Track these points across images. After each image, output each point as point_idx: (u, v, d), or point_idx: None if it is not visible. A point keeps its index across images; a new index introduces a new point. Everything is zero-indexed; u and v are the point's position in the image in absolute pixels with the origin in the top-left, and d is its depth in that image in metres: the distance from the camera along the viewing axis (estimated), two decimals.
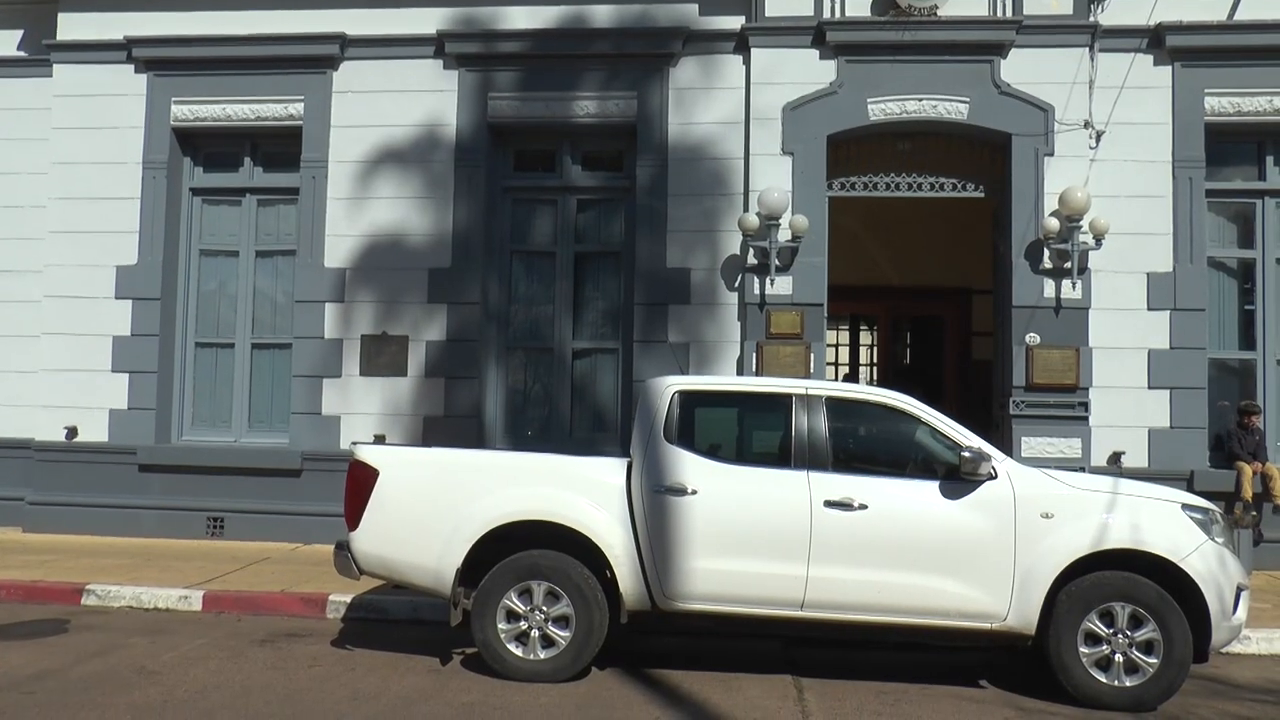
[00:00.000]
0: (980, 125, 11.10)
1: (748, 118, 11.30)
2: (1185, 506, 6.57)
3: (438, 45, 11.68)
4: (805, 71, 11.23)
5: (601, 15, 11.63)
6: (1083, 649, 6.35)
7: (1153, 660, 6.28)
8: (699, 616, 6.70)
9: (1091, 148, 10.96)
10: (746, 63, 11.38)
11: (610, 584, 6.71)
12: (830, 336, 15.28)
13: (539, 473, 6.93)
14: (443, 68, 11.74)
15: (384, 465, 6.95)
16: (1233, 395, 11.31)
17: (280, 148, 12.13)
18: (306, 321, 11.70)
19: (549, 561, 6.71)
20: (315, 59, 11.83)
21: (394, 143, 11.73)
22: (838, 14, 11.29)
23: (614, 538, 6.69)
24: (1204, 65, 10.98)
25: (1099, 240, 10.66)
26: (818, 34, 11.21)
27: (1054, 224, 10.65)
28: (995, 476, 6.51)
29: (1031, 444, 10.70)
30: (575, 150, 11.98)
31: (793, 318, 11.01)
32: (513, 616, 6.69)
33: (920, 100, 11.12)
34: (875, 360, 17.35)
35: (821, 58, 11.25)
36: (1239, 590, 6.47)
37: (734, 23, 11.42)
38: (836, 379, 16.64)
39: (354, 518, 6.94)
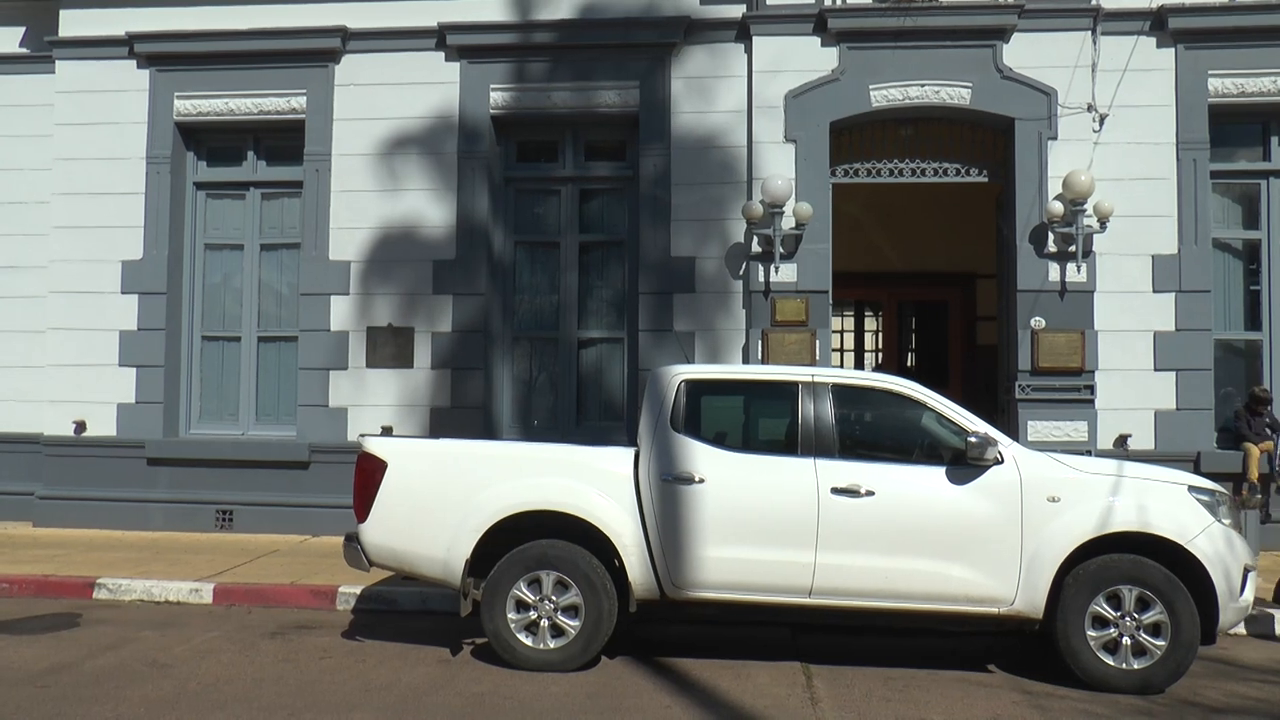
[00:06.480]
0: (983, 110, 11.08)
1: (750, 106, 11.29)
2: (1191, 488, 6.58)
3: (439, 37, 11.67)
4: (807, 59, 11.21)
5: (603, 5, 11.61)
6: (1090, 632, 6.37)
7: (1160, 643, 6.30)
8: (707, 604, 6.73)
9: (1095, 131, 10.94)
10: (748, 51, 11.36)
11: (619, 573, 6.73)
12: (835, 323, 15.29)
13: (547, 463, 6.94)
14: (444, 60, 11.74)
15: (392, 457, 6.97)
16: (1239, 376, 11.31)
17: (283, 141, 12.14)
18: (312, 314, 11.73)
19: (558, 551, 6.73)
20: (317, 52, 11.83)
21: (397, 135, 11.74)
22: (839, 1, 11.27)
23: (622, 527, 6.71)
24: (1207, 47, 10.95)
25: (1103, 223, 10.66)
26: (819, 21, 11.19)
27: (1058, 208, 10.64)
28: (1001, 461, 6.52)
29: (1037, 428, 10.70)
30: (578, 140, 11.97)
31: (797, 305, 11.02)
32: (522, 606, 6.72)
33: (923, 86, 11.11)
34: (880, 346, 17.33)
35: (823, 45, 11.24)
36: (1246, 571, 6.49)
37: (735, 11, 11.40)
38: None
39: (363, 510, 6.97)
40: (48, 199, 12.19)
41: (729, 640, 7.56)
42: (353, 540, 7.04)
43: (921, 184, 11.62)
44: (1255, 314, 11.34)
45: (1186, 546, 6.33)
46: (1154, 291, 10.87)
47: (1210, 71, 10.95)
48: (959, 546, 6.43)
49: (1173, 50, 10.99)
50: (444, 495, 6.86)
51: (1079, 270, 10.81)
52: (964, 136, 11.45)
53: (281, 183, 12.24)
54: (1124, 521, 6.38)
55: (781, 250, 10.92)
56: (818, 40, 11.25)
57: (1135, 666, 6.33)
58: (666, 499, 6.66)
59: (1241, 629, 7.74)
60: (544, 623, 6.70)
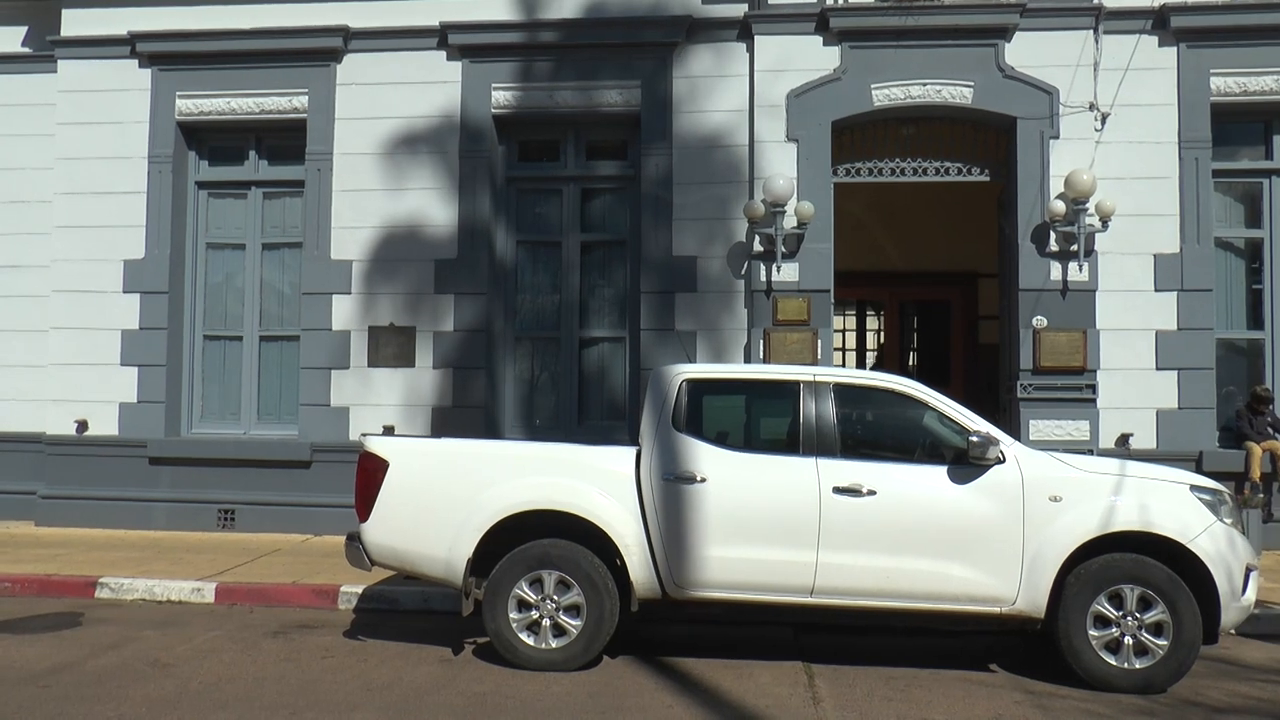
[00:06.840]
0: (985, 109, 11.07)
1: (752, 105, 11.28)
2: (1193, 488, 6.57)
3: (441, 37, 11.68)
4: (809, 58, 11.21)
5: (605, 4, 11.61)
6: (1092, 632, 6.36)
7: (1162, 642, 6.29)
8: (710, 604, 6.72)
9: (1097, 130, 10.93)
10: (750, 50, 11.35)
11: (621, 572, 6.73)
12: (837, 322, 15.28)
13: (548, 462, 6.94)
14: (446, 59, 11.74)
15: (394, 456, 6.97)
16: (1241, 375, 11.31)
17: (285, 141, 12.14)
18: (314, 313, 11.73)
19: (559, 551, 6.72)
20: (319, 52, 11.83)
21: (398, 135, 11.74)
22: (840, 0, 11.29)
23: (624, 526, 6.70)
24: (1209, 45, 10.95)
25: (1105, 222, 10.65)
26: (821, 20, 11.18)
27: (1060, 207, 10.64)
28: (1003, 460, 6.52)
29: (1039, 427, 10.70)
30: (580, 140, 11.98)
31: (799, 304, 11.02)
32: (524, 606, 6.71)
33: (924, 85, 11.10)
34: (882, 345, 17.33)
35: (825, 44, 11.23)
36: (1248, 570, 6.47)
37: (737, 10, 11.40)
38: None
39: (364, 509, 6.97)
40: (50, 198, 12.21)
41: (731, 640, 7.56)
42: (354, 540, 7.04)
43: (923, 183, 11.61)
44: (1257, 313, 11.33)
45: (1189, 546, 6.32)
46: (1156, 290, 10.86)
47: (1212, 70, 10.94)
48: (961, 546, 6.42)
49: (1175, 49, 10.99)
50: (446, 494, 6.86)
51: (1081, 269, 10.80)
52: (966, 136, 11.44)
53: (283, 182, 12.25)
54: (1126, 521, 6.37)
55: (783, 249, 10.91)
56: (819, 39, 11.25)
57: (1137, 666, 6.33)
58: (668, 498, 6.66)
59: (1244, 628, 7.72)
60: (546, 622, 6.70)
